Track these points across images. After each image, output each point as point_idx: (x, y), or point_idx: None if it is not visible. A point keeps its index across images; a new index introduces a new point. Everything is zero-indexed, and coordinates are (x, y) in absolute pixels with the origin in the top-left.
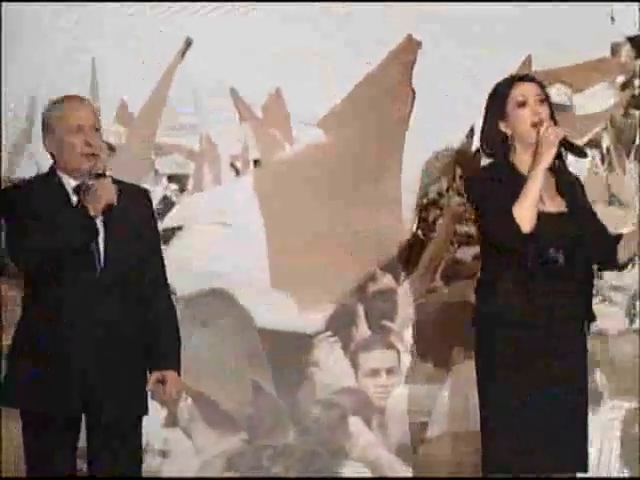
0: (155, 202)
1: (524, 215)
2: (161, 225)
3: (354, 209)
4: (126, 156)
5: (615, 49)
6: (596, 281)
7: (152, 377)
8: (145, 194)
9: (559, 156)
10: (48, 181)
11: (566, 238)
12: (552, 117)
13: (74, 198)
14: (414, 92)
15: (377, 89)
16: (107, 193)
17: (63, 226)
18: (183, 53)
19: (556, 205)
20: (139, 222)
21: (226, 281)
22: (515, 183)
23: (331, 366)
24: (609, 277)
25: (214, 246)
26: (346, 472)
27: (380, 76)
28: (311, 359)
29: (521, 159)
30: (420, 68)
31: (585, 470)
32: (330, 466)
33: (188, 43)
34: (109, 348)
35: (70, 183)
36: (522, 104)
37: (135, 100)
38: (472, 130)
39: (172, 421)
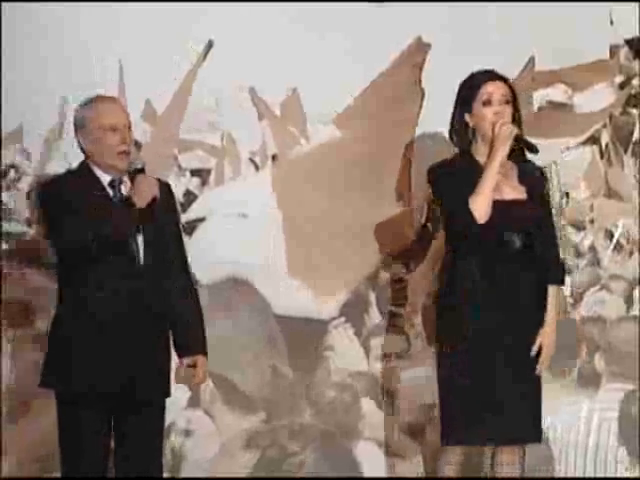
0: (179, 195)
1: (479, 207)
2: (184, 217)
3: (367, 202)
4: (151, 152)
5: (614, 51)
6: (596, 269)
7: (184, 362)
8: (167, 187)
9: (522, 150)
10: (84, 175)
11: (522, 222)
12: (515, 116)
13: (110, 192)
14: (423, 92)
15: (388, 89)
16: (151, 187)
17: (106, 218)
18: (205, 54)
19: (516, 193)
20: (164, 214)
21: (245, 270)
22: (473, 174)
23: (344, 350)
24: (609, 266)
25: (234, 237)
26: (358, 450)
27: (391, 76)
28: (326, 344)
29: (481, 151)
30: (428, 69)
31: (539, 440)
32: (343, 445)
33: (210, 45)
34: (139, 334)
35: (105, 178)
36: (487, 102)
37: (160, 99)
38: None
39: (195, 402)
